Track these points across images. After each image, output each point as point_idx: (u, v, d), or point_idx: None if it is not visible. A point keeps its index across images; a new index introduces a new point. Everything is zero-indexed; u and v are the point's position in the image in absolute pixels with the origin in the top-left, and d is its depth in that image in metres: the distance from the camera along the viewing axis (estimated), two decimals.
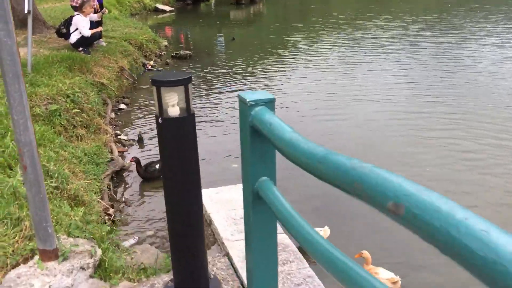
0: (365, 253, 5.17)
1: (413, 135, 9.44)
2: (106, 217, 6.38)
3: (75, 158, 6.86)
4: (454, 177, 7.60)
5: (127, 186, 7.60)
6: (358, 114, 10.60)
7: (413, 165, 8.05)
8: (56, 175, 5.58)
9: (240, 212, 4.65)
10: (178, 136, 2.98)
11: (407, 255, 5.70)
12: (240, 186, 2.28)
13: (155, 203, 7.04)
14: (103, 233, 4.77)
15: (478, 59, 15.80)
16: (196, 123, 3.17)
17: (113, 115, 10.63)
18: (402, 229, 1.01)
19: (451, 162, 8.15)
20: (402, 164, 8.02)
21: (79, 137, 8.05)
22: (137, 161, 7.66)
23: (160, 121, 2.98)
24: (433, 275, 5.44)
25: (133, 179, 7.83)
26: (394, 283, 4.96)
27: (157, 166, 7.68)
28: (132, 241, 5.99)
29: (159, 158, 8.37)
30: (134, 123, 10.67)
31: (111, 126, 9.71)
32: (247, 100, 1.89)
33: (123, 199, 7.07)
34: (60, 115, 7.92)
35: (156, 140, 9.50)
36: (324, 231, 5.73)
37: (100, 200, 6.44)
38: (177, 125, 3.01)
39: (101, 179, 6.98)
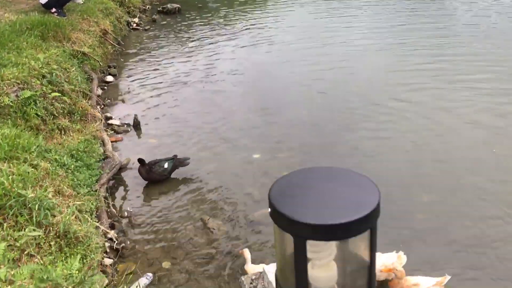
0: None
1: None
2: (107, 245, 4.92)
3: (60, 167, 5.29)
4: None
5: (128, 193, 6.09)
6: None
7: None
8: (37, 207, 4.05)
9: None
10: None
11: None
12: None
13: (166, 215, 5.59)
14: None
15: None
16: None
17: (99, 91, 8.92)
18: None
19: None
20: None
21: (62, 130, 6.42)
22: (139, 160, 6.11)
23: None
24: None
25: (134, 181, 6.30)
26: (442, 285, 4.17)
27: (165, 165, 6.14)
28: (145, 280, 4.58)
29: (166, 156, 6.92)
30: (126, 100, 9.00)
31: (99, 109, 8.04)
32: None
33: (126, 214, 5.58)
34: (35, 103, 6.23)
35: (158, 124, 7.93)
36: (399, 257, 4.35)
37: (97, 224, 4.95)
38: None
39: (95, 191, 5.45)
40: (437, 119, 7.83)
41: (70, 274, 3.49)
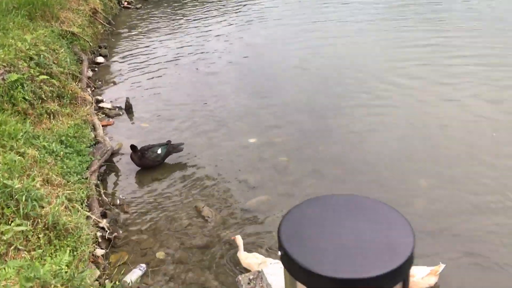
0: None
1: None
2: (99, 234, 4.77)
3: (49, 155, 5.10)
4: None
5: (120, 180, 5.92)
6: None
7: None
8: (24, 198, 3.88)
9: None
10: None
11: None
12: None
13: (160, 203, 5.44)
14: None
15: None
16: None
17: (90, 73, 8.67)
18: None
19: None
20: None
21: (51, 115, 6.20)
22: (132, 146, 5.93)
23: None
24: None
25: (126, 167, 6.13)
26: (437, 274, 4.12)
27: (158, 151, 5.96)
28: (138, 271, 4.44)
29: (159, 141, 6.73)
30: (117, 81, 8.76)
31: (89, 91, 7.81)
32: None
33: (118, 202, 5.42)
34: (23, 86, 6.00)
35: (151, 107, 7.71)
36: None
37: (88, 214, 4.79)
38: None
39: (86, 178, 5.27)
40: (434, 97, 7.71)
41: (59, 269, 3.34)
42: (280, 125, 7.07)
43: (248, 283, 2.55)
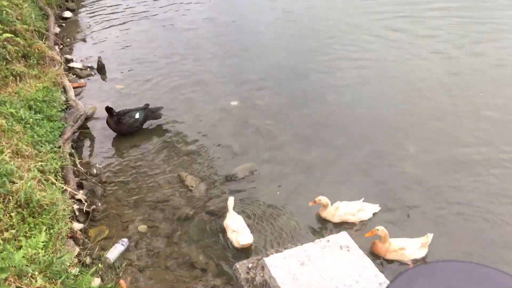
0: (382, 230, 4.07)
1: None
2: (76, 207, 4.48)
3: (17, 122, 4.70)
4: None
5: (96, 147, 5.56)
6: None
7: None
8: None
9: None
10: None
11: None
12: None
13: (140, 172, 5.15)
14: None
15: None
16: None
17: (57, 29, 8.07)
18: None
19: None
20: None
21: (18, 77, 5.73)
22: (107, 109, 5.56)
23: None
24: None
25: (102, 133, 5.77)
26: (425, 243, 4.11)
27: (136, 116, 5.61)
28: (120, 247, 4.19)
29: (136, 104, 6.33)
30: (87, 38, 8.20)
31: (58, 50, 7.28)
32: None
33: (95, 171, 5.09)
34: None
35: (125, 67, 7.25)
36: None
37: (64, 186, 4.48)
38: None
39: (59, 147, 4.92)
40: (419, 50, 7.57)
41: (36, 254, 3.07)
42: (263, 86, 6.77)
43: (247, 272, 2.35)
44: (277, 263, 2.20)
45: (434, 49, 7.68)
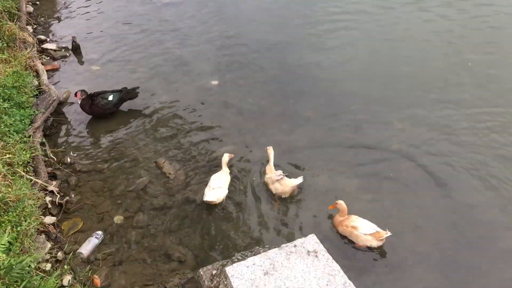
0: (340, 203, 4.07)
1: None
2: (48, 199, 4.29)
3: None
4: None
5: (69, 133, 5.33)
6: None
7: None
8: None
9: None
10: None
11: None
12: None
13: (116, 159, 4.95)
14: None
15: None
16: None
17: (30, 8, 7.72)
18: None
19: None
20: None
21: None
22: (82, 92, 5.32)
23: None
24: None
25: (76, 118, 5.55)
26: (380, 239, 3.90)
27: (110, 98, 5.37)
28: (94, 240, 4.04)
29: (113, 87, 6.06)
30: (62, 17, 7.86)
31: (30, 30, 6.96)
32: None
33: (69, 160, 4.89)
34: None
35: (101, 47, 6.95)
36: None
37: (34, 179, 4.28)
38: None
39: (29, 136, 4.70)
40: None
41: None
42: (244, 64, 6.52)
43: (211, 280, 2.20)
44: (240, 273, 2.03)
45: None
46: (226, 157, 4.61)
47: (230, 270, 2.04)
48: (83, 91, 5.35)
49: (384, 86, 6.03)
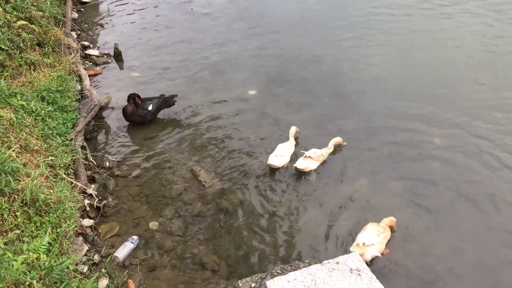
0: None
1: None
2: (87, 202, 4.38)
3: (28, 114, 4.61)
4: None
5: (109, 139, 5.44)
6: None
7: None
8: None
9: None
10: None
11: None
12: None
13: (153, 166, 5.01)
14: None
15: None
16: None
17: (75, 15, 7.96)
18: None
19: None
20: None
21: (31, 66, 5.63)
22: (130, 97, 5.41)
23: None
24: None
25: (116, 124, 5.65)
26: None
27: (149, 108, 5.46)
28: (130, 245, 4.09)
29: (150, 93, 6.17)
30: (105, 24, 8.06)
31: (74, 36, 7.16)
32: None
33: (108, 164, 4.99)
34: None
35: (142, 54, 7.09)
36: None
37: (74, 181, 4.38)
38: None
39: (71, 140, 4.82)
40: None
41: (38, 258, 2.97)
42: (282, 74, 6.52)
43: None
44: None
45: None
46: (293, 129, 5.20)
47: (271, 284, 2.02)
48: (137, 95, 5.43)
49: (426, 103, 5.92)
